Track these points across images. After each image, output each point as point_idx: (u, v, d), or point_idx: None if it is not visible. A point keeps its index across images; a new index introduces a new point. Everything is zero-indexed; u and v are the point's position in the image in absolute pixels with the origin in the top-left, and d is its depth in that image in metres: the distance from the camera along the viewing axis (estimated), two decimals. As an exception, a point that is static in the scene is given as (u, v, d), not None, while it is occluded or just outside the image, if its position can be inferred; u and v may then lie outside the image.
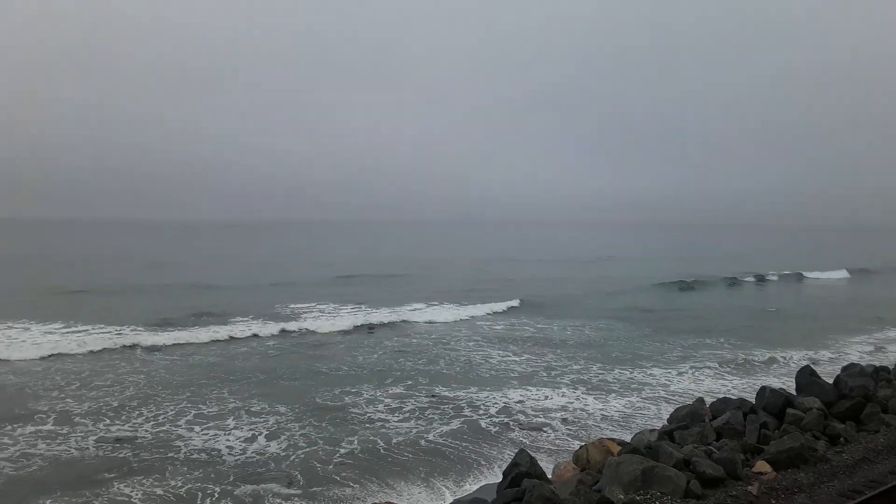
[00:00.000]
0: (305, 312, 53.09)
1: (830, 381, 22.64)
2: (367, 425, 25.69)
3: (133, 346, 38.47)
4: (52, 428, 24.62)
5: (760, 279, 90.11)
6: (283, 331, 44.46)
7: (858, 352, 40.10)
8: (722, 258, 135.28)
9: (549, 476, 16.92)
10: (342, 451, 22.82)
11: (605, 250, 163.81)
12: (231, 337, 42.05)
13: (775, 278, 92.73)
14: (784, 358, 38.44)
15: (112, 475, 20.25)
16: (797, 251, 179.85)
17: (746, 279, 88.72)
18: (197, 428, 24.84)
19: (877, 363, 28.06)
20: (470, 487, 19.53)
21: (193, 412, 26.80)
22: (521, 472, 15.11)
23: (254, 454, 22.33)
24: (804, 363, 29.11)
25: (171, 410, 27.00)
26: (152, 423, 25.45)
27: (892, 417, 19.70)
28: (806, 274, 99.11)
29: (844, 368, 24.13)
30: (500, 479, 15.69)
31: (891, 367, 25.73)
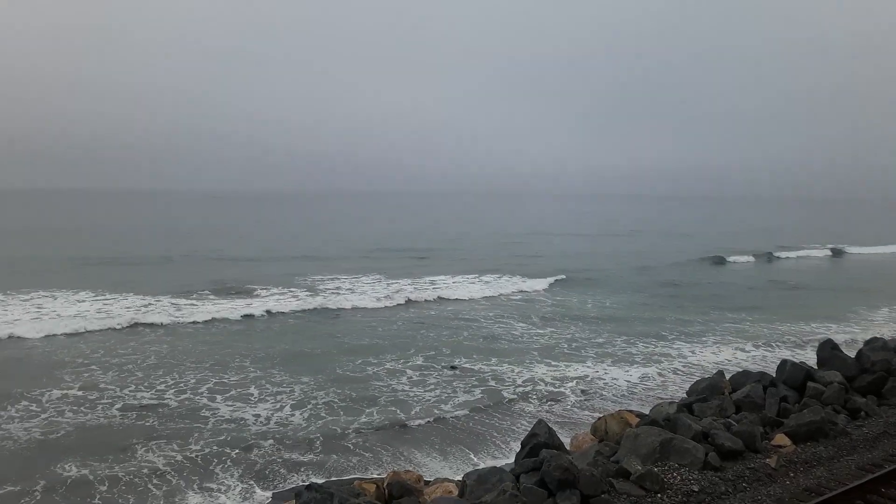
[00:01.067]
0: (329, 285, 53.38)
1: (853, 354, 22.51)
2: (389, 395, 25.94)
3: (156, 316, 38.94)
4: (79, 394, 25.09)
5: (794, 252, 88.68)
6: (306, 303, 44.66)
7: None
8: (751, 232, 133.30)
9: (568, 447, 17.03)
10: (362, 420, 23.11)
11: (630, 224, 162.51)
12: (251, 309, 42.35)
13: (811, 252, 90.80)
14: (807, 331, 38.23)
15: (136, 441, 20.66)
16: (831, 224, 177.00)
17: (779, 254, 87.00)
18: (219, 397, 25.20)
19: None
20: (488, 458, 19.71)
21: (215, 381, 27.17)
22: (540, 443, 15.22)
23: (276, 424, 22.65)
24: (827, 337, 28.92)
25: (193, 380, 27.38)
26: (176, 391, 25.85)
27: (915, 392, 19.59)
28: (847, 249, 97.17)
29: (867, 342, 23.95)
30: (519, 450, 15.81)
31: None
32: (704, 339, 36.46)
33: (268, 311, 41.18)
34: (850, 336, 36.16)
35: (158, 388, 26.15)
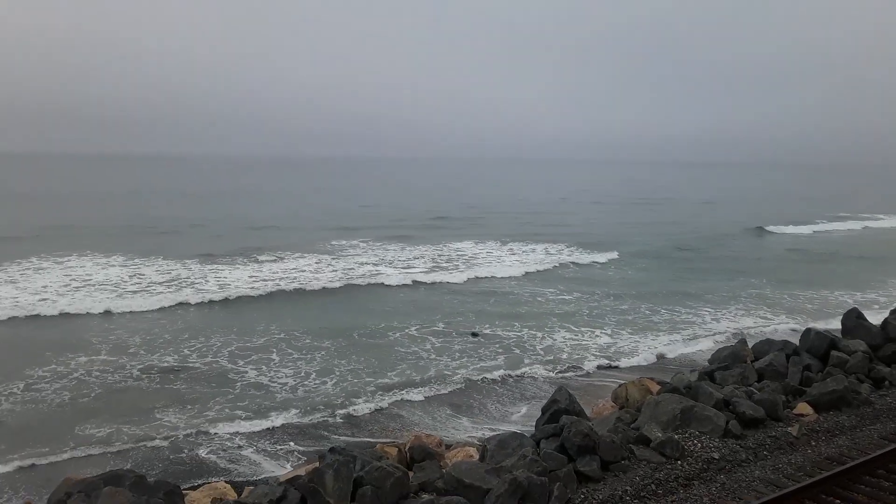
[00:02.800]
0: (357, 252, 53.60)
1: (878, 323, 22.27)
2: (410, 359, 26.19)
3: (185, 280, 39.42)
4: (106, 358, 25.56)
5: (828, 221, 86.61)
6: (337, 270, 44.93)
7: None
8: (786, 201, 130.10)
9: (588, 413, 17.10)
10: (382, 383, 23.37)
11: (658, 192, 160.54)
12: (280, 278, 42.67)
13: (842, 224, 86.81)
14: (833, 299, 37.92)
15: (160, 404, 21.08)
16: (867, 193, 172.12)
17: (816, 222, 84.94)
18: (241, 361, 25.53)
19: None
20: (508, 423, 19.86)
21: (237, 345, 27.55)
22: (560, 409, 15.29)
23: (301, 388, 22.97)
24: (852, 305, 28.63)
25: (219, 342, 27.79)
26: (202, 354, 26.25)
27: (941, 362, 19.37)
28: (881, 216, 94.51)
29: (893, 311, 23.66)
30: (539, 416, 15.91)
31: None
32: (729, 306, 36.25)
33: (295, 275, 41.47)
34: (876, 302, 35.87)
35: (185, 351, 26.59)
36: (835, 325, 27.99)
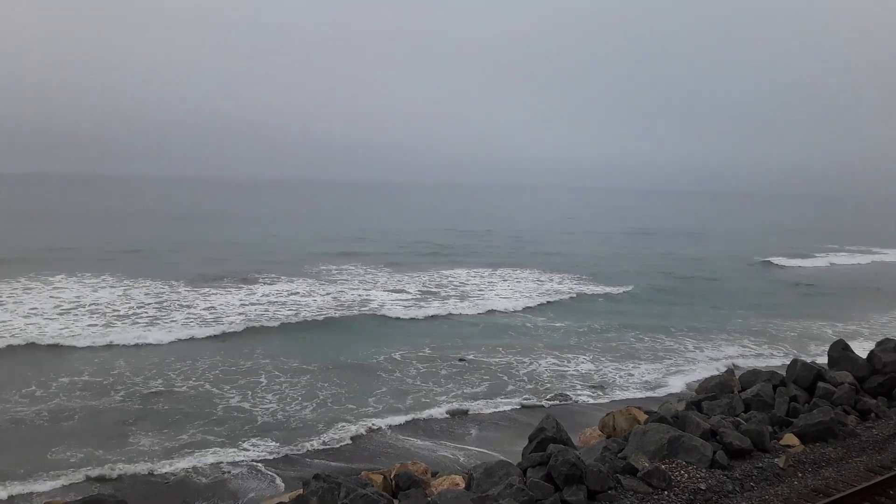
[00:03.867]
0: (347, 277, 53.46)
1: (864, 355, 22.35)
2: (396, 385, 26.06)
3: (170, 303, 39.15)
4: (89, 380, 25.30)
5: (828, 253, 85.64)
6: (327, 295, 44.77)
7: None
8: (785, 233, 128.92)
9: (575, 442, 17.02)
10: (368, 410, 23.22)
11: (644, 221, 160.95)
12: (266, 297, 42.47)
13: (843, 255, 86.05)
14: (821, 331, 38.09)
15: (143, 429, 20.86)
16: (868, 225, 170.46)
17: (816, 255, 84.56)
18: (227, 386, 25.32)
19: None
20: (495, 450, 19.73)
21: (222, 368, 27.34)
22: (547, 437, 15.22)
23: (283, 412, 22.79)
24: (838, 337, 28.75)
25: (205, 365, 27.58)
26: (186, 377, 26.03)
27: (926, 394, 19.44)
28: (876, 250, 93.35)
29: (879, 343, 23.76)
30: (526, 444, 15.82)
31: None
32: (716, 336, 36.32)
33: (288, 296, 41.25)
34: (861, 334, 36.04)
35: (169, 374, 26.36)
36: (821, 356, 28.10)
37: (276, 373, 27.05)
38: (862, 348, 27.17)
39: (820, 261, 78.23)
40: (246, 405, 23.33)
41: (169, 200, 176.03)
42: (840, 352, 22.33)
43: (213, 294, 42.28)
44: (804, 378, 19.95)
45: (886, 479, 13.57)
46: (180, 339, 31.55)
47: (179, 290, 43.27)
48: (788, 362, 21.74)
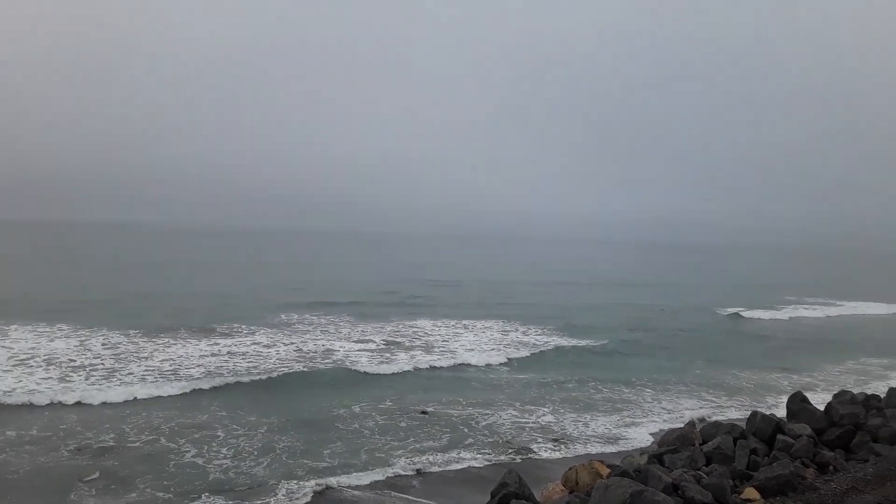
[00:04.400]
0: (309, 327, 52.85)
1: (822, 407, 22.61)
2: (354, 438, 25.62)
3: (127, 354, 38.24)
4: (37, 434, 24.45)
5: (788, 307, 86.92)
6: (292, 342, 44.18)
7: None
8: (751, 285, 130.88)
9: (538, 497, 16.82)
10: (323, 465, 22.75)
11: (619, 273, 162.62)
12: (230, 347, 41.74)
13: (803, 308, 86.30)
14: (778, 383, 38.58)
15: (87, 485, 20.14)
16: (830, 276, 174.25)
17: (778, 307, 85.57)
18: (182, 440, 24.67)
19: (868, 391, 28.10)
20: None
21: (178, 421, 26.66)
22: (510, 493, 15.03)
23: (233, 468, 22.22)
24: (797, 389, 29.12)
25: (160, 418, 26.88)
26: (140, 431, 25.30)
27: (882, 447, 19.65)
28: (840, 302, 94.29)
29: (836, 396, 24.08)
30: (489, 500, 15.59)
31: (882, 396, 25.67)
32: (675, 388, 36.55)
33: (248, 347, 40.56)
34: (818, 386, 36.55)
35: (123, 427, 25.59)
36: (777, 407, 28.42)
37: (234, 426, 26.46)
38: (818, 400, 27.56)
39: (781, 313, 79.29)
40: (200, 460, 22.71)
41: (134, 248, 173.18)
42: (798, 404, 22.57)
43: (172, 345, 41.38)
44: (763, 430, 20.07)
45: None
46: (136, 393, 30.61)
47: (137, 340, 42.30)
48: (746, 414, 21.91)
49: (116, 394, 30.18)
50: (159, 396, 30.43)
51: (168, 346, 40.75)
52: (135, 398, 29.97)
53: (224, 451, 23.72)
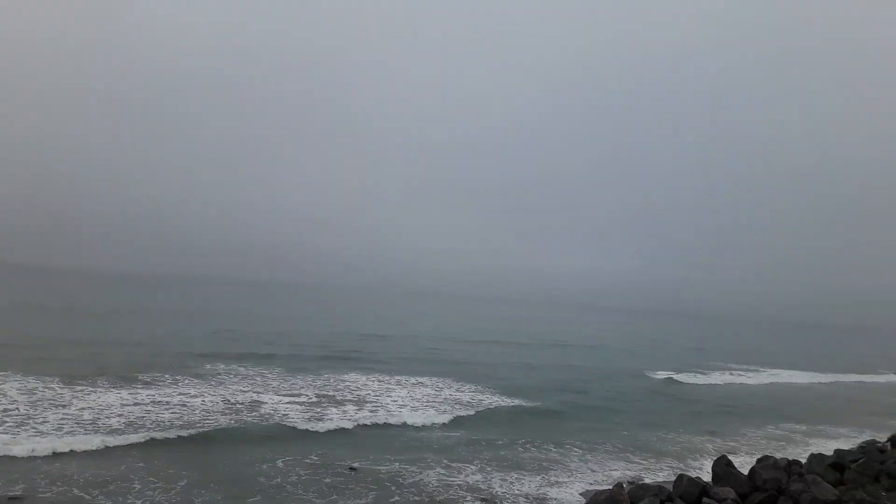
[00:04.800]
0: (235, 379, 51.44)
1: (746, 471, 23.05)
2: (275, 495, 24.84)
3: (43, 401, 36.49)
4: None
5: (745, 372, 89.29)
6: (217, 393, 42.84)
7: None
8: (687, 349, 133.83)
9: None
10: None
11: (547, 332, 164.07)
12: (154, 397, 40.25)
13: (733, 374, 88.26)
14: (704, 446, 39.18)
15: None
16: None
17: (709, 372, 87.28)
18: (95, 491, 23.54)
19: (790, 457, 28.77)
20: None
21: (93, 472, 25.45)
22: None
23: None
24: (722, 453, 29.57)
25: (74, 468, 25.65)
26: (53, 481, 24.04)
27: (803, 512, 20.08)
28: (765, 369, 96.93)
29: (759, 460, 24.61)
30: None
31: (803, 462, 26.33)
32: (604, 448, 36.75)
33: (173, 399, 39.11)
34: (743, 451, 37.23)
35: (34, 478, 24.25)
36: (699, 470, 28.80)
37: (151, 478, 25.37)
38: (742, 463, 28.07)
39: (710, 378, 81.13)
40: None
41: (56, 292, 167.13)
42: (723, 468, 22.99)
43: (91, 393, 39.66)
44: (689, 494, 20.32)
45: None
46: (54, 445, 29.02)
47: (53, 386, 40.42)
48: (673, 476, 22.15)
49: (29, 439, 28.68)
50: (77, 441, 29.10)
51: (86, 395, 39.04)
52: (50, 445, 28.53)
53: (138, 503, 22.69)
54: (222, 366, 55.10)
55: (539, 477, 30.10)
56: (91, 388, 40.82)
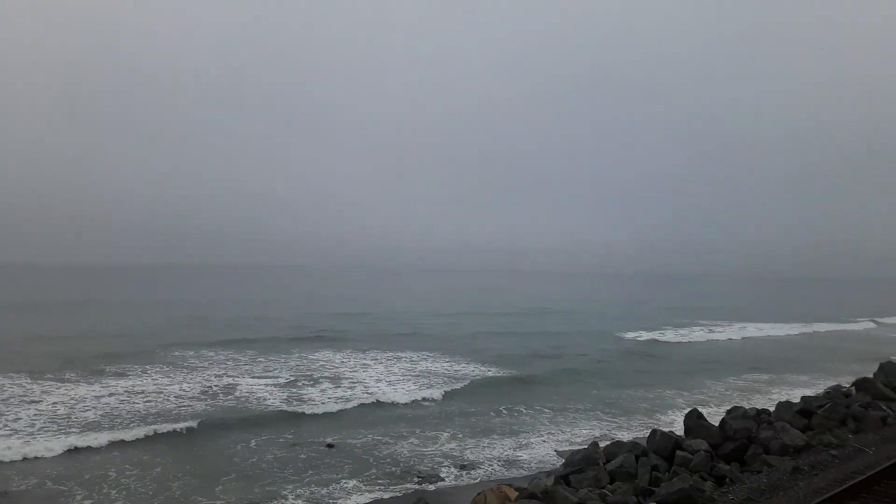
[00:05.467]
0: (207, 364, 51.05)
1: (717, 423, 23.48)
2: (248, 472, 24.84)
3: (13, 398, 35.92)
4: None
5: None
6: (190, 379, 42.47)
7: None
8: (660, 309, 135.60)
9: (445, 523, 16.68)
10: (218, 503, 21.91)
11: (520, 300, 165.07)
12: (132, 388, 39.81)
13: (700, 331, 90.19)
14: (674, 401, 39.87)
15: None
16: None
17: (683, 330, 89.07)
18: (70, 482, 23.25)
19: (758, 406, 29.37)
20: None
21: (66, 464, 25.17)
22: (417, 520, 14.82)
23: (135, 508, 21.11)
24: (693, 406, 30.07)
25: (47, 461, 25.33)
26: (25, 476, 23.72)
27: (774, 458, 20.52)
28: (737, 324, 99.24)
29: (729, 411, 25.07)
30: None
31: (771, 410, 26.87)
32: (579, 409, 37.23)
33: (149, 404, 38.72)
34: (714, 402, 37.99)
35: (5, 473, 23.92)
36: (672, 425, 29.31)
37: (127, 466, 25.14)
38: (711, 414, 28.61)
39: (686, 335, 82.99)
40: (89, 503, 21.44)
41: (13, 287, 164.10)
42: (695, 420, 23.39)
43: (59, 387, 39.01)
44: (663, 448, 20.65)
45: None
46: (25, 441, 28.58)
47: (21, 382, 39.75)
48: (646, 433, 22.47)
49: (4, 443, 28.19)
50: (50, 436, 28.73)
51: (55, 389, 38.43)
52: (24, 444, 28.05)
53: (114, 492, 22.49)
54: (192, 352, 54.66)
55: (510, 440, 30.54)
56: (59, 383, 40.21)
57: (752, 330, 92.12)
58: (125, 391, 38.45)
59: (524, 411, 36.43)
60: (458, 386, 43.59)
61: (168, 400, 36.83)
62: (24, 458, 25.89)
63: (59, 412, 33.31)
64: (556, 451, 28.70)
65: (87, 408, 34.47)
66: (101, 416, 32.97)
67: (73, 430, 30.32)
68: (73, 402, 35.62)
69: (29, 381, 40.26)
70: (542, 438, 31.05)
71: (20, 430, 29.73)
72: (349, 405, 37.10)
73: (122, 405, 35.16)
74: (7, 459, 25.75)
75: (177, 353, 53.37)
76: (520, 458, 27.86)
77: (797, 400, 28.46)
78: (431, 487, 23.79)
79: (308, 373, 46.76)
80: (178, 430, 30.79)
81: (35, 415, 32.69)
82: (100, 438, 28.68)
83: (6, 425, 30.48)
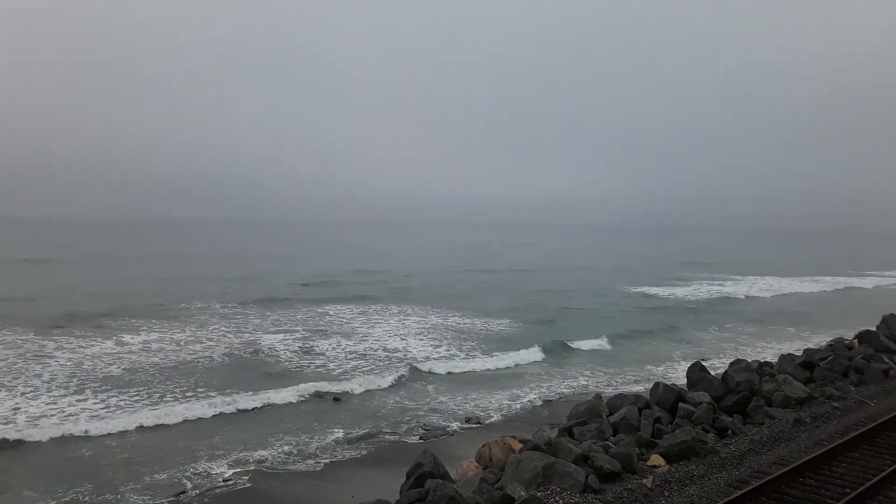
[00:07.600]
0: (220, 318, 51.46)
1: (719, 375, 23.75)
2: (264, 426, 25.25)
3: (27, 353, 36.35)
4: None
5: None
6: (206, 336, 42.92)
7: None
8: (668, 264, 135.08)
9: (453, 475, 17.00)
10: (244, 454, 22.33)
11: (533, 257, 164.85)
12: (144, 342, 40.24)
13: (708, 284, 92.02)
14: (677, 355, 40.29)
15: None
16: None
17: (686, 284, 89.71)
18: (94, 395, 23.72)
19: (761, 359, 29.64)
20: (373, 489, 19.35)
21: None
22: (425, 473, 15.12)
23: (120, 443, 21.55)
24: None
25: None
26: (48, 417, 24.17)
27: (776, 410, 20.81)
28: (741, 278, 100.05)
29: (731, 364, 25.29)
30: (404, 481, 15.65)
31: (774, 363, 27.11)
32: (588, 363, 37.64)
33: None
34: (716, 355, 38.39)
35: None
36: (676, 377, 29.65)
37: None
38: (714, 366, 28.91)
39: (691, 289, 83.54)
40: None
41: (16, 242, 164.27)
42: (697, 373, 23.63)
43: (71, 342, 39.25)
44: (666, 400, 20.90)
45: (745, 493, 14.29)
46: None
47: (29, 338, 39.93)
48: (650, 385, 22.74)
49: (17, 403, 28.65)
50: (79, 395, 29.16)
51: (66, 345, 38.71)
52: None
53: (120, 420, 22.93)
54: (203, 304, 55.07)
55: (508, 392, 31.13)
56: (71, 338, 40.49)
57: (759, 283, 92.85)
58: (141, 347, 38.78)
59: (525, 365, 36.78)
60: (471, 341, 43.97)
61: (191, 352, 37.21)
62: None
63: (83, 369, 33.59)
64: (549, 399, 29.05)
65: (110, 362, 34.78)
66: (125, 370, 33.25)
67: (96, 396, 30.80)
68: (92, 357, 35.70)
69: (39, 337, 40.49)
70: (535, 391, 31.50)
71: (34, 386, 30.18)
72: (355, 358, 37.52)
73: (147, 358, 35.49)
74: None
75: (183, 305, 53.86)
76: (531, 410, 28.25)
77: (799, 352, 28.74)
78: (437, 439, 24.15)
79: (323, 327, 47.17)
80: (201, 379, 31.26)
81: (52, 372, 33.00)
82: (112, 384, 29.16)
83: (25, 382, 30.93)
